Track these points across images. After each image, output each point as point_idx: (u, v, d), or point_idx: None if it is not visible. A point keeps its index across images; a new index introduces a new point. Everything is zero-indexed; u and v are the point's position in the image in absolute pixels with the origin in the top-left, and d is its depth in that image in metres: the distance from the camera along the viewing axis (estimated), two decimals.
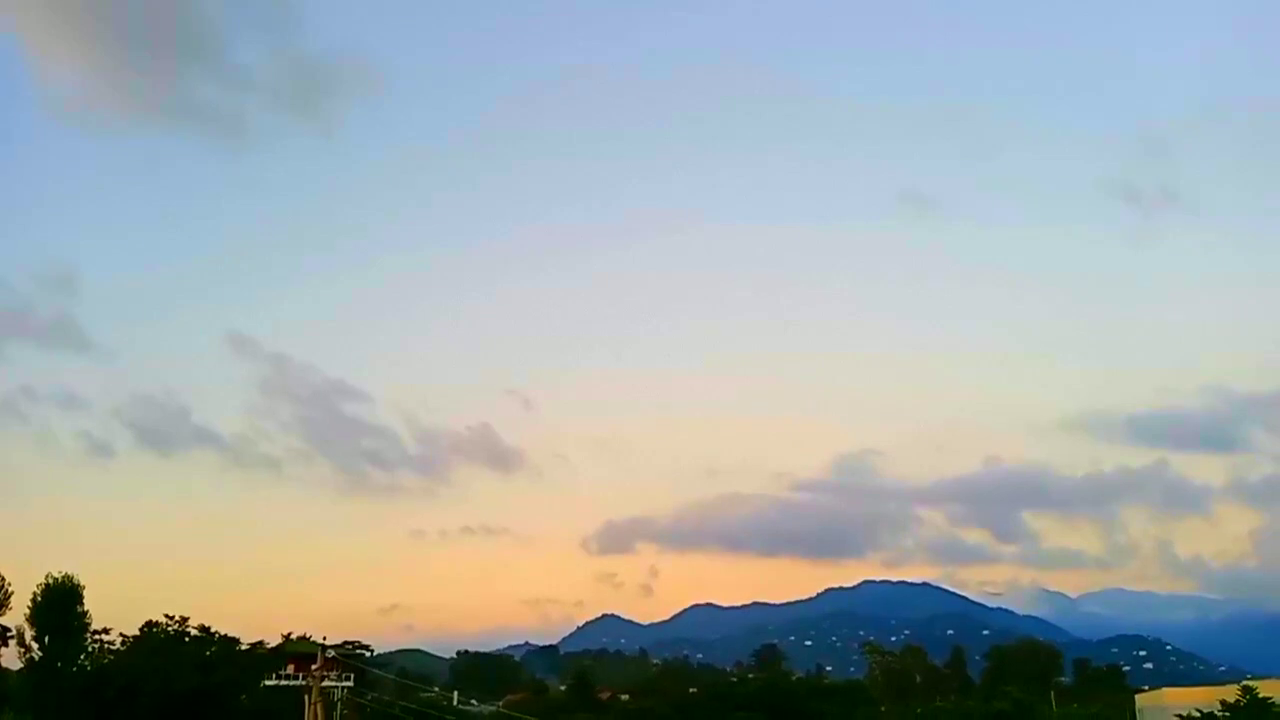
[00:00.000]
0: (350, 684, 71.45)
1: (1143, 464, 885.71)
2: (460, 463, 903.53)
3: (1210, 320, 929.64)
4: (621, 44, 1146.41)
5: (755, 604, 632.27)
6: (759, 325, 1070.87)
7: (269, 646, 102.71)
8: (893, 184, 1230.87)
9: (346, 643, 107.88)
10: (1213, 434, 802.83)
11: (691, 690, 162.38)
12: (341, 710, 73.77)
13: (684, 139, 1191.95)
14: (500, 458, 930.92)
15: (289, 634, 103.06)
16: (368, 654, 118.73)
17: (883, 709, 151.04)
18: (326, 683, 67.02)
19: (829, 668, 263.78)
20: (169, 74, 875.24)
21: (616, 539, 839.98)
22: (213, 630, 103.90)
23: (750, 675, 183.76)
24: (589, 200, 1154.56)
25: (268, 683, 71.18)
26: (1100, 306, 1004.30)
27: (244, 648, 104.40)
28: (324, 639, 79.44)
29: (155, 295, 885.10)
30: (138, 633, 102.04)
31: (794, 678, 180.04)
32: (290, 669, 70.15)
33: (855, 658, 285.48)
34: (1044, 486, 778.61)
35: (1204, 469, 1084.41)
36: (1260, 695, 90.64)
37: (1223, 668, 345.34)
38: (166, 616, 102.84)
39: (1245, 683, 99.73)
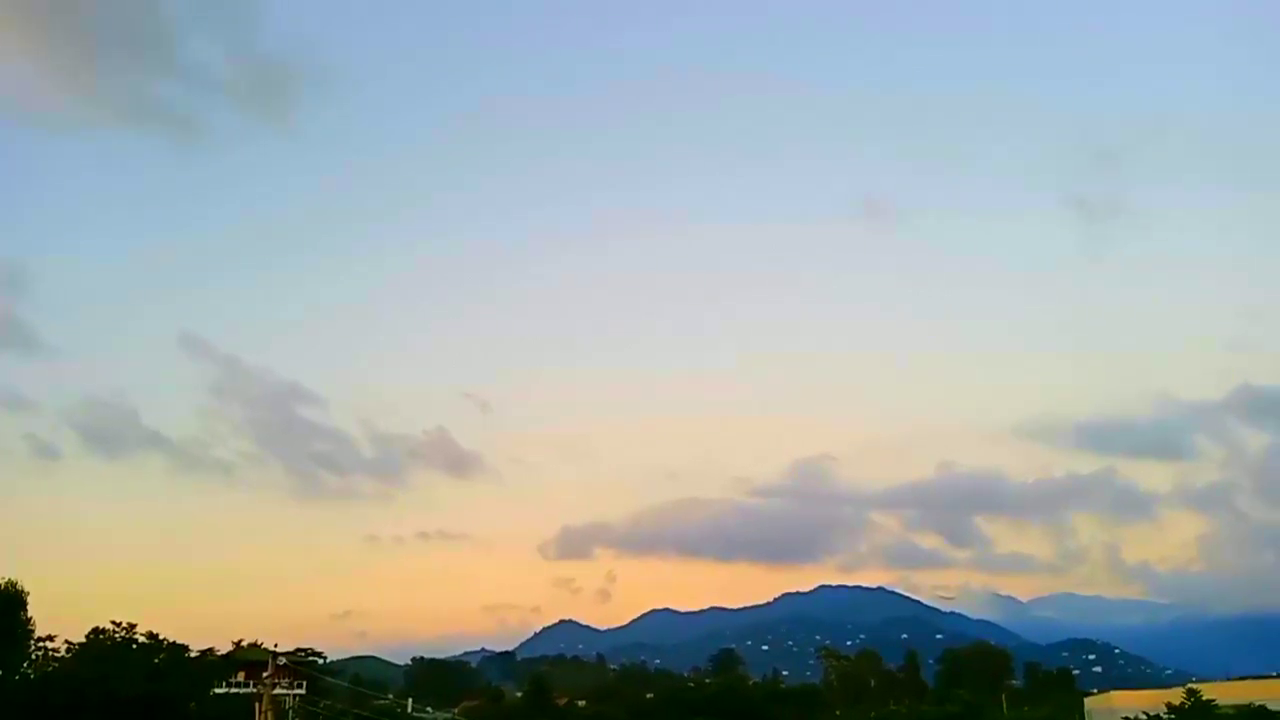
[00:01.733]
0: (302, 692, 70.71)
1: (1092, 470, 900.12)
2: (416, 467, 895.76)
3: (1157, 330, 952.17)
4: (587, 44, 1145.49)
5: (713, 609, 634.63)
6: (718, 329, 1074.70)
7: (219, 654, 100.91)
8: (851, 190, 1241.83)
9: (298, 650, 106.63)
10: (1160, 442, 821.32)
11: (648, 695, 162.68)
12: (293, 718, 72.78)
13: (649, 141, 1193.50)
14: (457, 462, 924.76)
15: (239, 641, 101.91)
16: (320, 661, 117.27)
17: (838, 713, 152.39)
18: (278, 691, 66.30)
19: (785, 672, 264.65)
20: (125, 71, 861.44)
21: (574, 544, 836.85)
22: (161, 637, 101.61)
23: (707, 680, 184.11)
24: (551, 203, 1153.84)
25: (218, 691, 70.21)
26: (1051, 316, 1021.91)
27: (193, 655, 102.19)
28: (275, 646, 78.57)
29: (106, 295, 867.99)
30: (84, 640, 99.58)
31: (750, 682, 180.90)
32: (240, 677, 69.38)
33: (812, 662, 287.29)
34: (996, 492, 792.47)
35: (1151, 476, 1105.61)
36: (1204, 698, 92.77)
37: (1169, 671, 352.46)
38: (114, 623, 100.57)
39: (1190, 685, 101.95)
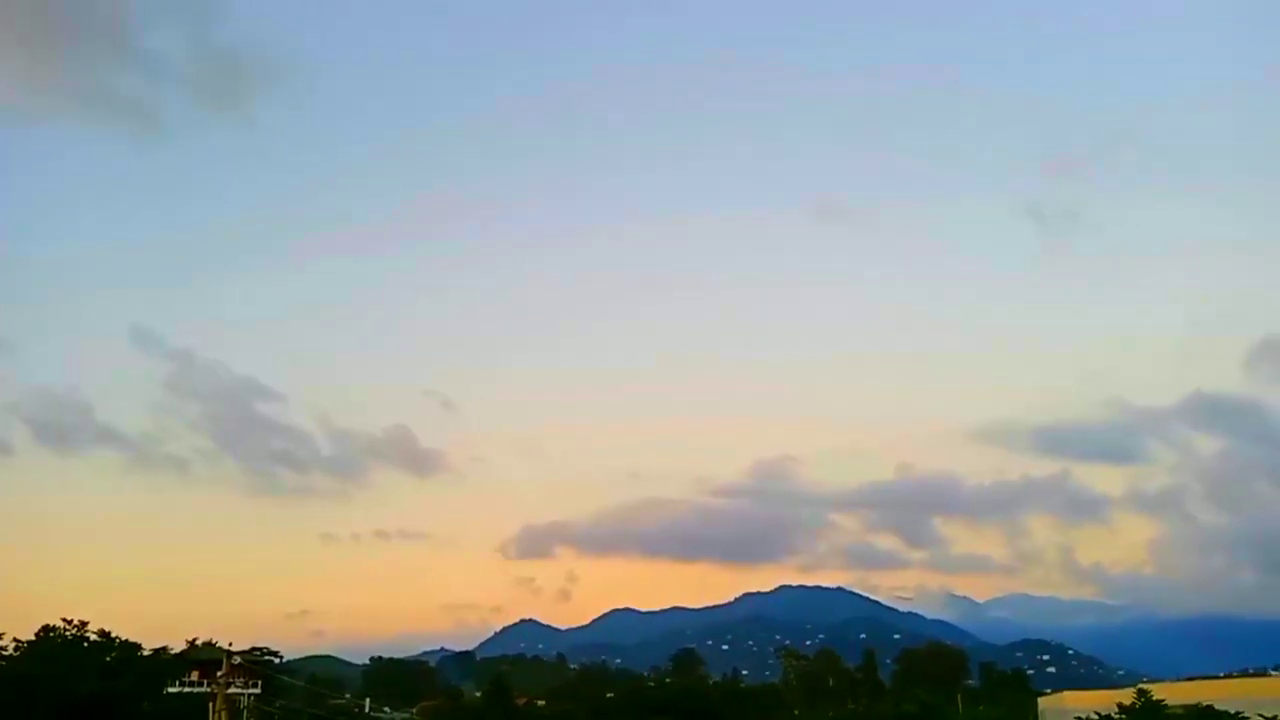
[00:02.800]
0: (257, 691, 69.65)
1: (1047, 473, 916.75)
2: (376, 465, 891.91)
3: (1110, 336, 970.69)
4: (551, 43, 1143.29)
5: (674, 608, 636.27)
6: (682, 329, 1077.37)
7: (173, 652, 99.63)
8: (813, 194, 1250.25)
9: (254, 649, 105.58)
10: (1112, 446, 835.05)
11: (609, 695, 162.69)
12: (248, 718, 71.82)
13: (607, 141, 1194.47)
14: (417, 460, 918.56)
15: (194, 640, 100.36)
16: (276, 660, 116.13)
17: (796, 713, 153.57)
18: (232, 690, 65.33)
19: (745, 672, 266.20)
20: (80, 60, 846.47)
21: (535, 543, 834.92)
22: (114, 635, 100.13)
23: (667, 680, 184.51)
24: (513, 202, 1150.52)
25: (171, 690, 68.92)
26: (1008, 321, 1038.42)
27: (146, 654, 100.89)
28: (230, 645, 77.64)
29: (57, 288, 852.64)
30: (33, 637, 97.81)
31: (710, 682, 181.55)
32: (194, 676, 68.13)
33: (771, 662, 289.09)
34: (953, 494, 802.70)
35: (1104, 479, 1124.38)
36: (1154, 698, 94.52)
37: (1121, 671, 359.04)
38: (65, 621, 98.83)
39: (1141, 686, 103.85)
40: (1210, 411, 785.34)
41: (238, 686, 66.62)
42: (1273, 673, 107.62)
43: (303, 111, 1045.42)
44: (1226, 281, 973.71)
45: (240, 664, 70.11)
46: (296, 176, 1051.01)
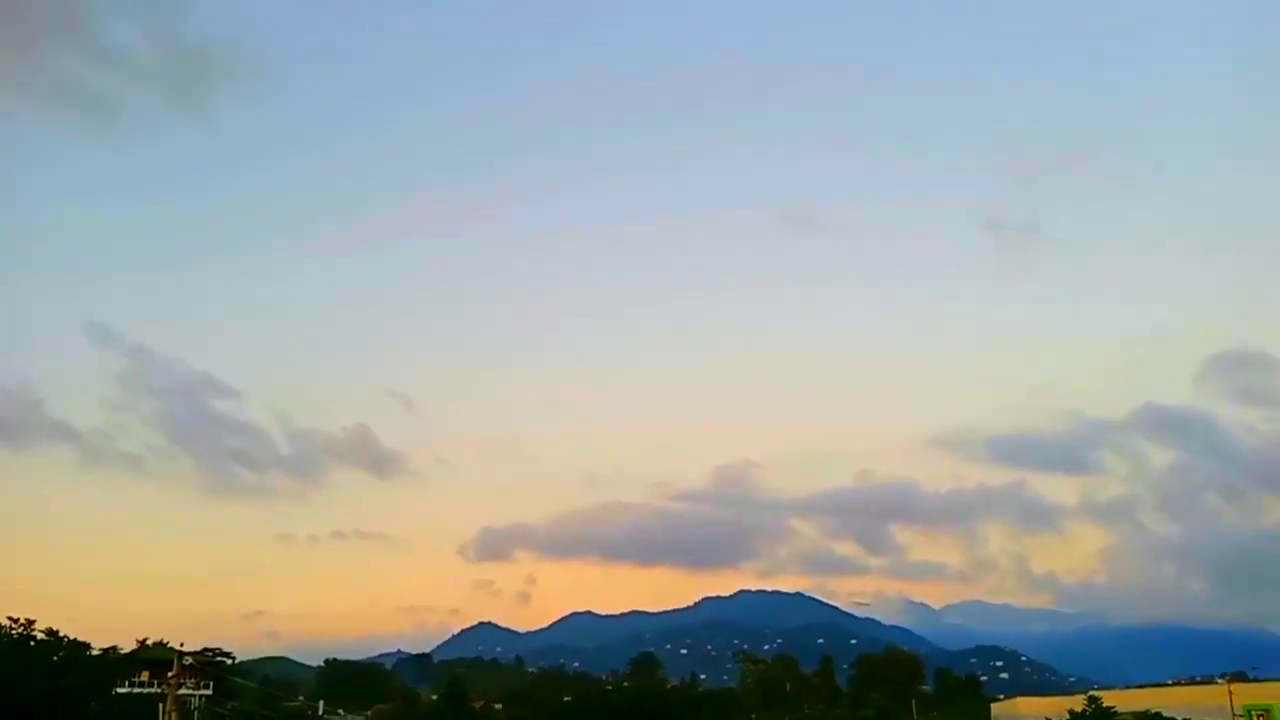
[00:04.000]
0: (209, 692, 68.63)
1: (1002, 482, 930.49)
2: (335, 465, 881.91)
3: (1065, 348, 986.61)
4: (522, 44, 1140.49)
5: (633, 612, 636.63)
6: (645, 334, 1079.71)
7: (122, 652, 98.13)
8: (778, 200, 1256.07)
9: (206, 649, 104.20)
10: (1067, 456, 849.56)
11: (566, 698, 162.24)
12: (198, 719, 70.76)
13: (575, 144, 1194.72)
14: (378, 461, 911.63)
15: (144, 639, 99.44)
16: (228, 661, 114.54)
17: (753, 717, 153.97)
18: (183, 691, 64.26)
19: (703, 676, 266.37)
20: (37, 50, 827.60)
21: (495, 546, 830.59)
22: (62, 634, 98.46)
23: (625, 684, 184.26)
24: (476, 205, 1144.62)
25: (120, 690, 67.71)
26: (966, 332, 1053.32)
27: (95, 653, 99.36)
28: (181, 645, 76.50)
29: (9, 281, 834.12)
30: None
31: (668, 686, 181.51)
32: (144, 676, 67.00)
33: (730, 666, 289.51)
34: (911, 501, 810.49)
35: (1058, 489, 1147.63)
36: (1104, 704, 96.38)
37: (1072, 678, 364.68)
38: (11, 619, 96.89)
39: (1091, 693, 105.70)
40: (1162, 424, 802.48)
41: (189, 687, 65.60)
42: (1219, 681, 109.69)
43: (267, 109, 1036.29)
44: (1179, 297, 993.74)
45: (191, 664, 69.04)
46: (258, 175, 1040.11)
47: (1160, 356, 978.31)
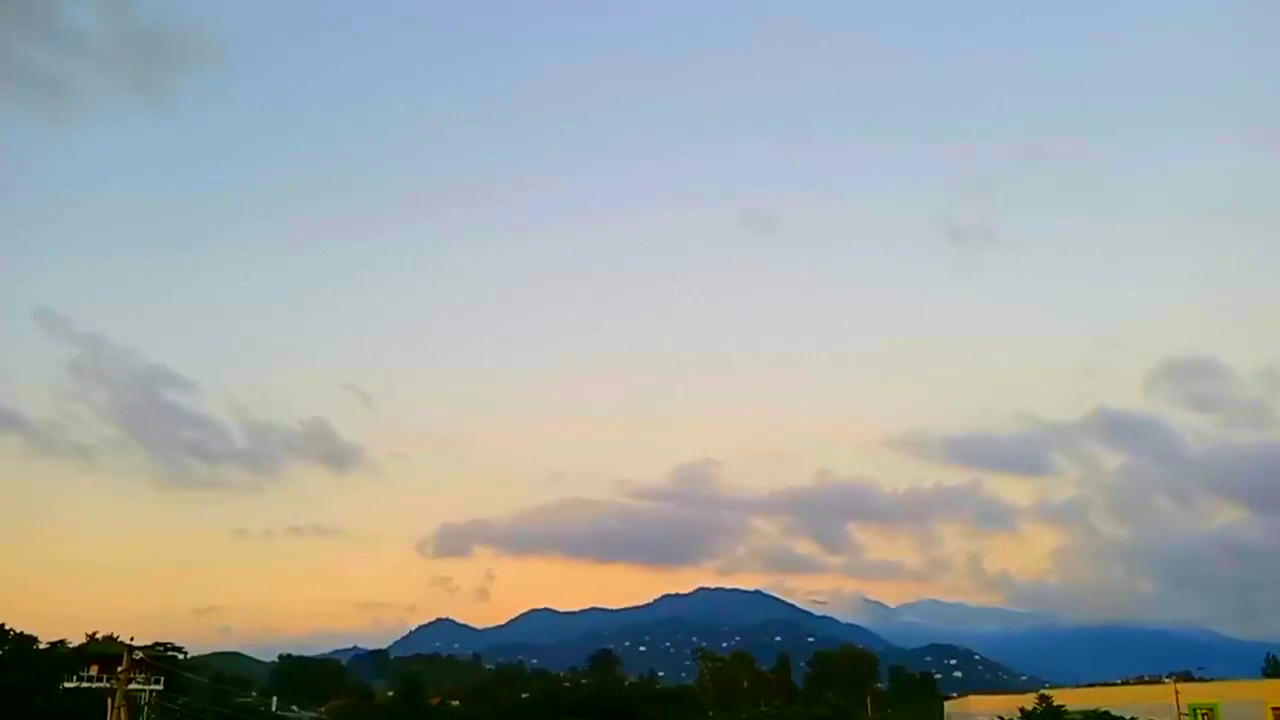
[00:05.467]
0: (159, 688, 67.55)
1: (958, 483, 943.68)
2: (291, 458, 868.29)
3: (1021, 352, 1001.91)
4: (479, 38, 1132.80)
5: (593, 609, 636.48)
6: (607, 331, 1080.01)
7: (71, 646, 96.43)
8: (738, 202, 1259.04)
9: (157, 644, 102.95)
10: (1021, 458, 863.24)
11: (524, 695, 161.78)
12: (149, 714, 69.59)
13: (535, 143, 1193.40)
14: (335, 455, 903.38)
15: (94, 633, 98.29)
16: (180, 656, 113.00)
17: (710, 714, 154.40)
18: (133, 686, 63.11)
19: (662, 673, 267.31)
20: None
21: (454, 542, 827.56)
22: (7, 628, 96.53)
23: (583, 681, 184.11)
24: (435, 200, 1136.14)
25: (68, 685, 66.44)
26: (925, 335, 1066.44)
27: (42, 647, 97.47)
28: (131, 640, 75.34)
29: None
30: None
31: (626, 683, 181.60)
32: (93, 671, 65.78)
33: (688, 663, 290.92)
34: (869, 500, 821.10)
35: (1012, 490, 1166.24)
36: (1055, 703, 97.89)
37: (1024, 676, 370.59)
38: None
39: (1042, 691, 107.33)
40: (1113, 428, 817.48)
41: (139, 682, 64.48)
42: (1166, 680, 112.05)
43: (228, 96, 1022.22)
44: (1132, 304, 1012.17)
45: (142, 659, 67.93)
46: (217, 164, 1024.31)
47: (1113, 361, 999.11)
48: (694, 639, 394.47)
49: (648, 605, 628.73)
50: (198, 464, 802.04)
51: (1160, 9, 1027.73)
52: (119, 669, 62.37)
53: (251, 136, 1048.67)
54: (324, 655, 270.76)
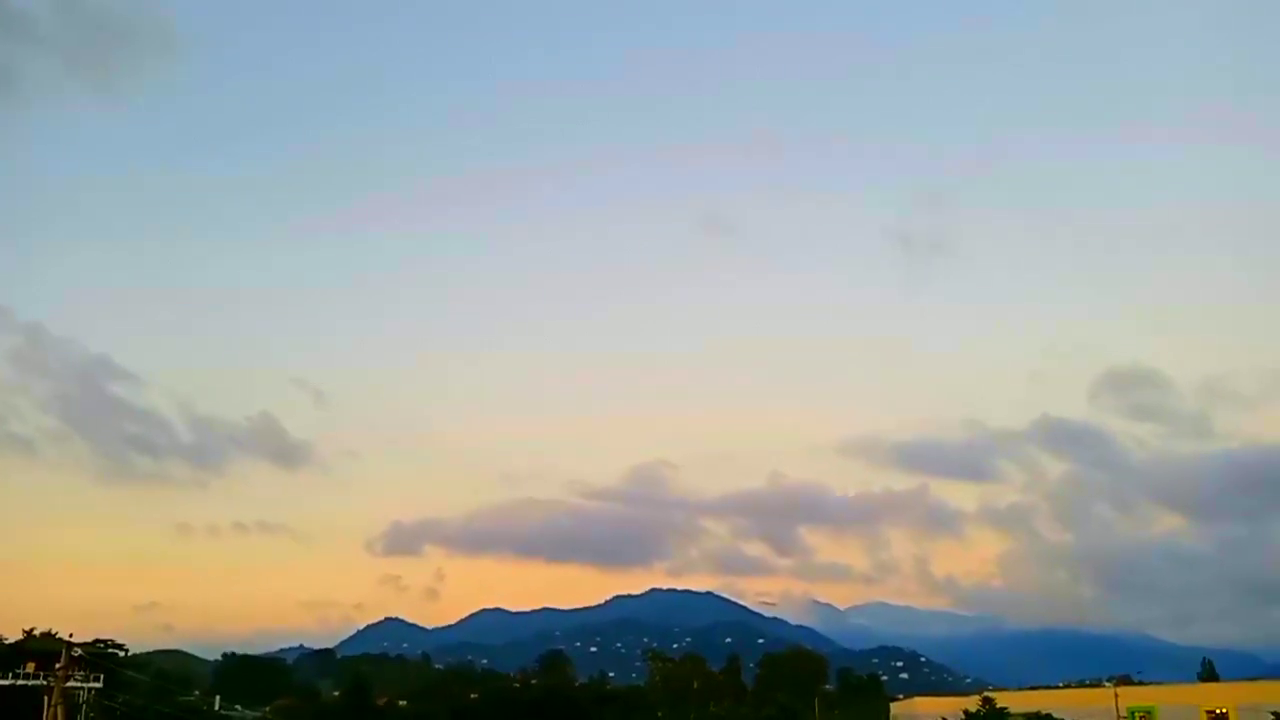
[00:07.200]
0: (99, 685, 66.31)
1: (907, 487, 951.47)
2: (238, 454, 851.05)
3: (969, 360, 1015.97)
4: (449, 42, 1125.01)
5: (544, 609, 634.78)
6: (560, 331, 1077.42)
7: (7, 643, 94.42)
8: (694, 204, 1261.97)
9: (97, 641, 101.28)
10: (968, 463, 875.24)
11: (473, 695, 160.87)
12: (88, 713, 68.14)
13: (494, 143, 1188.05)
14: (283, 451, 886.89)
15: (31, 630, 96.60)
16: (121, 654, 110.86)
17: (660, 715, 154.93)
18: (71, 683, 61.84)
19: (612, 674, 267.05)
20: None
21: (404, 540, 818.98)
22: None
23: (533, 681, 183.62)
24: (390, 197, 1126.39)
25: (3, 683, 64.86)
26: (876, 342, 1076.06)
27: None
28: (70, 636, 73.81)
29: None
30: None
31: (576, 684, 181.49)
32: (30, 668, 64.35)
33: (639, 664, 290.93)
34: (820, 504, 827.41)
35: (959, 495, 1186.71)
36: (998, 705, 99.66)
37: (969, 679, 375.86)
38: None
39: (986, 693, 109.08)
40: (1057, 435, 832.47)
41: (77, 680, 63.26)
42: (1106, 683, 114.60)
43: (176, 82, 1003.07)
44: (1077, 314, 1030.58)
45: (81, 656, 66.62)
46: (163, 150, 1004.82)
47: (1057, 370, 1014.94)
48: (645, 640, 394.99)
49: (599, 606, 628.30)
50: (140, 458, 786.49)
51: (1117, 26, 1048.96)
52: (57, 666, 61.08)
53: (202, 125, 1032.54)
54: (269, 654, 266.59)
